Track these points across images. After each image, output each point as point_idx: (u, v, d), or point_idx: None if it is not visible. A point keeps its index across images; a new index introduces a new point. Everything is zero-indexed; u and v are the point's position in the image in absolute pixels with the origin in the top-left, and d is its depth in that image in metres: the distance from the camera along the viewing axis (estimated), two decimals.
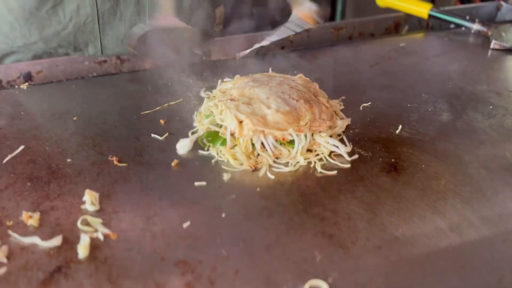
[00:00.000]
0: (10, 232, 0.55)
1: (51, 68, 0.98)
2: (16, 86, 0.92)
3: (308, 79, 0.83)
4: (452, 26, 1.23)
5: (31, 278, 0.50)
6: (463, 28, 1.17)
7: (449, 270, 0.51)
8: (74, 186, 0.63)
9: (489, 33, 1.10)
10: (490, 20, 1.30)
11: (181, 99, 0.86)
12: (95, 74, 0.99)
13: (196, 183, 0.64)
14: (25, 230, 0.56)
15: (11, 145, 0.72)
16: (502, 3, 1.31)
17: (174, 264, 0.51)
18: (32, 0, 0.94)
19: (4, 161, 0.69)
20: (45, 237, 0.54)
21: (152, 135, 0.75)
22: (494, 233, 0.56)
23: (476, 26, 1.13)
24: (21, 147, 0.71)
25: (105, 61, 1.02)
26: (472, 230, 0.56)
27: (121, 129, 0.77)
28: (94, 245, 0.54)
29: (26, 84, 0.93)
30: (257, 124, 0.67)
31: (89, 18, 0.97)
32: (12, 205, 0.60)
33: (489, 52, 1.07)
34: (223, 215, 0.59)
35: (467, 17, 1.15)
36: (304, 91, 0.74)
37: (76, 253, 0.52)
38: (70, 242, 0.54)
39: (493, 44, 1.07)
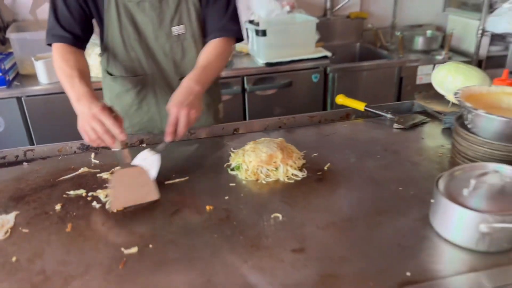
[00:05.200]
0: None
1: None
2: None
3: (283, 139, 1.70)
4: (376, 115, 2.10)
5: None
6: (383, 117, 2.05)
7: None
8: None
9: (395, 119, 1.97)
10: (408, 112, 2.17)
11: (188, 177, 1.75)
12: None
13: None
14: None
15: None
16: (414, 102, 2.18)
17: None
18: (126, 105, 1.89)
19: None
20: None
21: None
22: None
23: (388, 115, 2.01)
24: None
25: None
26: None
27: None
28: None
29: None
30: (259, 163, 1.55)
31: (155, 116, 1.92)
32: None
33: (393, 130, 1.94)
34: None
35: (384, 110, 2.03)
36: (280, 146, 1.62)
37: None
38: None
39: (394, 125, 1.94)
